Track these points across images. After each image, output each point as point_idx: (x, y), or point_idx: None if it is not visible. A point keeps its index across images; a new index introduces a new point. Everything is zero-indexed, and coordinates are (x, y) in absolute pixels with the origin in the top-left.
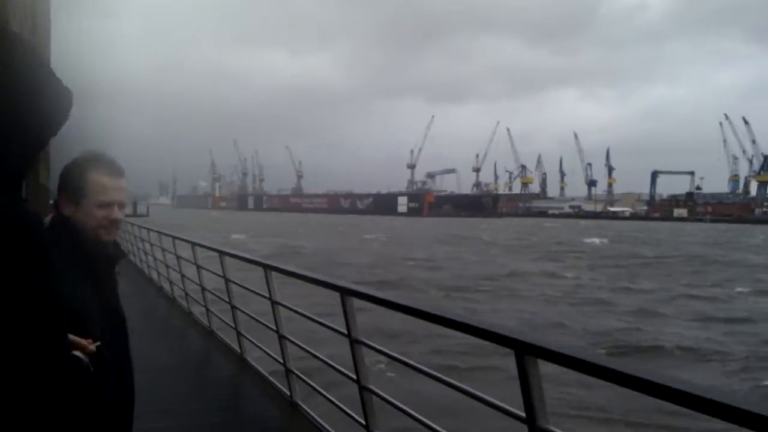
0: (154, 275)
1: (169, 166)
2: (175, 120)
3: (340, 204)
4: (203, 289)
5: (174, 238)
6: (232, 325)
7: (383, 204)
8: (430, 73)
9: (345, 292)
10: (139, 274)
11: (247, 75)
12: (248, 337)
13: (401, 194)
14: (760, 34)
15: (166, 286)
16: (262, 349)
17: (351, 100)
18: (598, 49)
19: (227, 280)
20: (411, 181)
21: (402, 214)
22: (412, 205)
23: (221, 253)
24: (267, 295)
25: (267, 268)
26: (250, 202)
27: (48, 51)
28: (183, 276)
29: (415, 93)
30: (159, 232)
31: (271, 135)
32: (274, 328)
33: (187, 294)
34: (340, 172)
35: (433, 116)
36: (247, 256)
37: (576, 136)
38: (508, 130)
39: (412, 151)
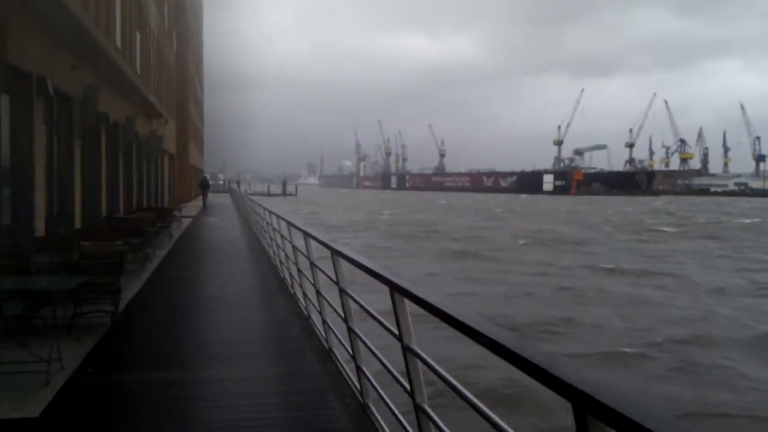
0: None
1: (317, 147)
2: (324, 103)
3: (482, 182)
4: (319, 293)
5: (304, 233)
6: (350, 351)
7: (527, 182)
8: (574, 49)
9: (395, 288)
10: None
11: (389, 58)
12: (372, 380)
13: (547, 172)
14: None
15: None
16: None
17: (493, 78)
18: (759, 17)
19: (342, 291)
20: (558, 158)
21: (547, 192)
22: (559, 182)
23: (334, 252)
24: (395, 331)
25: (334, 252)
26: (393, 182)
27: (201, 44)
28: (300, 271)
29: (559, 69)
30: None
31: (414, 115)
32: (408, 388)
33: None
34: (483, 150)
35: (582, 89)
36: (370, 264)
37: (743, 107)
38: (666, 102)
39: (559, 127)
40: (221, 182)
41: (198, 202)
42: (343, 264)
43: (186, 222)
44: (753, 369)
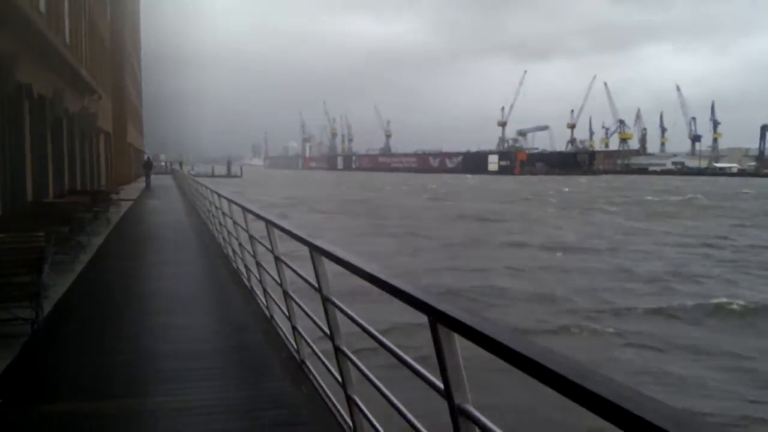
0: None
1: (261, 128)
2: (267, 83)
3: (429, 163)
4: (258, 265)
5: (244, 209)
6: (287, 314)
7: (473, 163)
8: (516, 33)
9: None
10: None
11: (335, 39)
12: (307, 339)
13: (491, 152)
14: None
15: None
16: (321, 360)
17: (438, 61)
18: (690, 3)
19: (277, 259)
20: (502, 139)
21: (493, 172)
22: (503, 163)
23: (269, 223)
24: (316, 285)
25: (315, 250)
26: (340, 163)
27: (138, 19)
28: (240, 245)
29: (501, 52)
30: (229, 200)
31: (360, 96)
32: (327, 332)
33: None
34: (429, 131)
35: (525, 71)
36: (295, 231)
37: (678, 88)
38: (606, 84)
39: (503, 108)
40: (163, 163)
41: (139, 184)
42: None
43: (126, 205)
44: None
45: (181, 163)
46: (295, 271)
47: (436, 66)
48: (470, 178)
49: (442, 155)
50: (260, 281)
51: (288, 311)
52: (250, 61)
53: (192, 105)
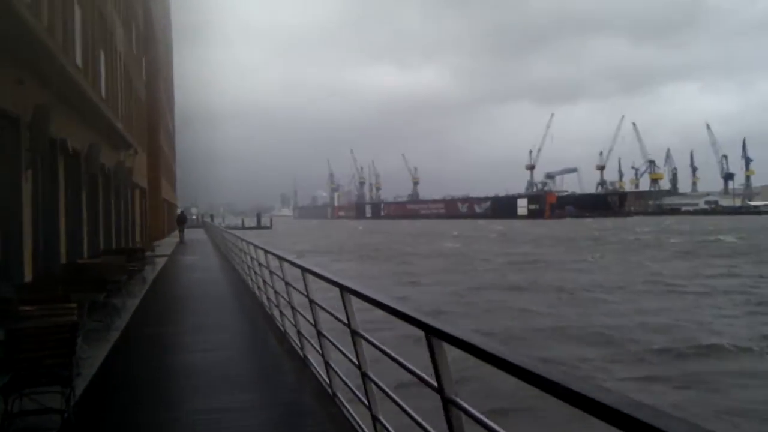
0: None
1: (290, 179)
2: (296, 135)
3: (457, 209)
4: (294, 309)
5: (266, 251)
6: (320, 351)
7: (502, 207)
8: (540, 77)
9: (432, 332)
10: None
11: (361, 88)
12: (338, 371)
13: (520, 196)
14: None
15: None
16: (351, 389)
17: (463, 106)
18: (711, 42)
19: (311, 302)
20: (530, 183)
21: (522, 216)
22: (533, 206)
23: (304, 270)
24: (345, 321)
25: (344, 289)
26: (368, 211)
27: (171, 76)
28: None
29: (526, 96)
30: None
31: (387, 145)
32: (356, 362)
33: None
34: (457, 177)
35: (552, 114)
36: (326, 274)
37: (708, 127)
38: (634, 124)
39: (530, 152)
40: (194, 217)
41: (173, 239)
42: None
43: (161, 262)
44: None
45: (212, 216)
46: (329, 312)
47: (461, 112)
48: (496, 223)
49: (470, 200)
50: (295, 325)
51: (321, 348)
52: (279, 114)
53: (222, 159)
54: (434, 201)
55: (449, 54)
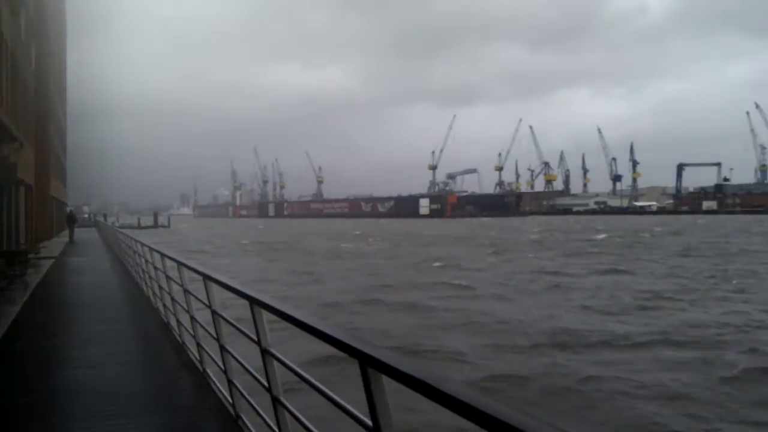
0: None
1: (191, 177)
2: (197, 133)
3: (361, 208)
4: (192, 319)
5: (162, 255)
6: (222, 367)
7: (405, 206)
8: (441, 80)
9: (368, 362)
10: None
11: (264, 87)
12: (243, 392)
13: (423, 196)
14: (759, 30)
15: (162, 310)
16: (260, 414)
17: (367, 107)
18: (603, 50)
19: (214, 313)
20: (433, 183)
21: (424, 216)
22: (435, 206)
23: (206, 278)
24: (254, 338)
25: (254, 302)
26: (271, 210)
27: (64, 68)
28: (173, 300)
29: (428, 98)
30: (150, 248)
31: (291, 143)
32: (266, 385)
33: (179, 322)
34: (361, 177)
35: (454, 115)
36: (233, 283)
37: (599, 131)
38: (531, 127)
39: (433, 152)
40: (86, 215)
41: (62, 239)
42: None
43: (47, 265)
44: None
45: (105, 215)
46: (236, 327)
47: (367, 112)
48: (392, 222)
49: (374, 200)
50: (194, 336)
51: (224, 365)
52: (178, 111)
53: (118, 155)
54: (338, 200)
55: (355, 54)
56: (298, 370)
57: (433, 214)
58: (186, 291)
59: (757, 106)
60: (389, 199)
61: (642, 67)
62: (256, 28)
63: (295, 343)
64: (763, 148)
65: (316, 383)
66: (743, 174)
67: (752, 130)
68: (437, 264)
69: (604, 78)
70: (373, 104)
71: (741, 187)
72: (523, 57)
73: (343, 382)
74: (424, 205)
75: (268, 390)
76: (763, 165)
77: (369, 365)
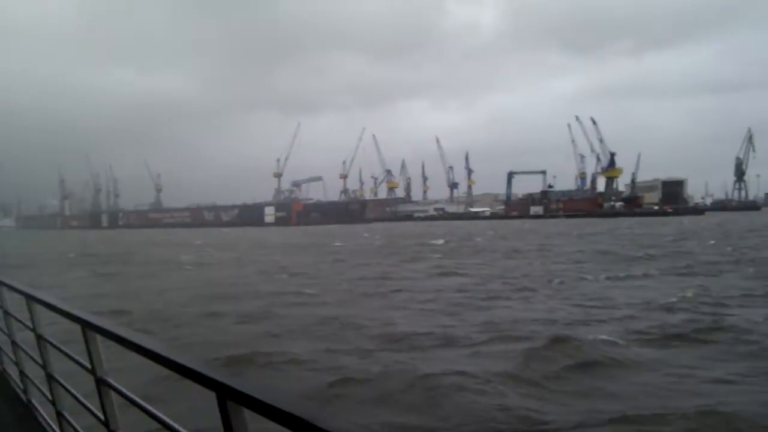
0: None
1: (12, 186)
2: (20, 138)
3: (203, 217)
4: (14, 343)
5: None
6: (50, 398)
7: (249, 215)
8: (286, 87)
9: (228, 394)
10: None
11: (98, 91)
12: (75, 425)
13: (268, 204)
14: (578, 49)
15: None
16: None
17: (209, 114)
18: (440, 64)
19: (39, 337)
20: (278, 191)
21: (270, 224)
22: (280, 214)
23: (29, 298)
24: (88, 366)
25: (87, 326)
26: (104, 220)
27: None
28: None
29: (272, 106)
30: None
31: (127, 151)
32: (102, 418)
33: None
34: (204, 185)
35: (299, 123)
36: (63, 305)
37: (438, 141)
38: (374, 136)
39: (278, 160)
40: None
41: None
42: None
43: None
44: None
45: None
46: (64, 352)
47: (210, 119)
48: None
49: (218, 209)
50: (16, 363)
51: (52, 395)
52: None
53: None
54: (178, 210)
55: (196, 59)
56: (141, 402)
57: (278, 222)
58: (6, 313)
59: (578, 119)
60: (233, 207)
61: (475, 80)
62: (88, 28)
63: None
64: (582, 157)
65: (163, 417)
66: (566, 181)
67: (573, 141)
68: (282, 274)
69: (440, 90)
70: (215, 111)
71: (563, 193)
72: (366, 68)
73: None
74: (270, 213)
75: (105, 424)
76: (583, 173)
77: (228, 397)
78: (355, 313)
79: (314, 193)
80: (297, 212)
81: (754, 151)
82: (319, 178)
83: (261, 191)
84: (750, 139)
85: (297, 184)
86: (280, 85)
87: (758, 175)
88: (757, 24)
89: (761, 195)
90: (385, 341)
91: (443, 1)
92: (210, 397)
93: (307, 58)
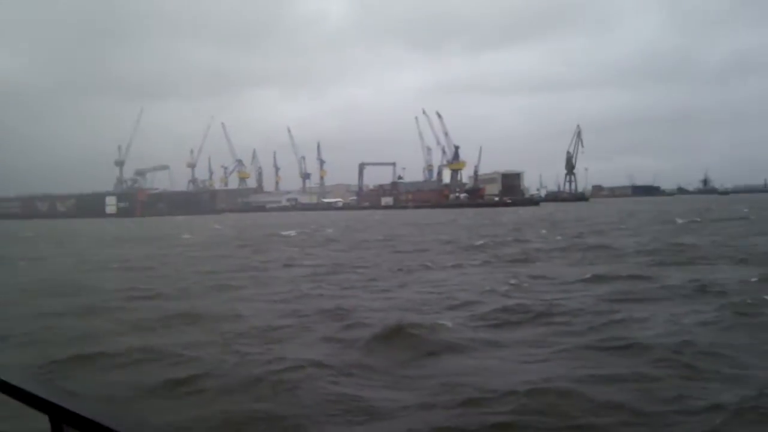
0: None
1: None
2: None
3: (36, 207)
4: None
5: None
6: None
7: (89, 205)
8: (129, 71)
9: (60, 418)
10: None
11: None
12: None
13: (109, 194)
14: (420, 44)
15: None
16: None
17: (40, 97)
18: (289, 53)
19: None
20: (120, 180)
21: (111, 215)
22: (123, 205)
23: None
24: None
25: None
26: None
27: None
28: None
29: (115, 90)
30: None
31: None
32: None
33: None
34: (37, 173)
35: (142, 109)
36: None
37: (289, 130)
38: (223, 124)
39: (119, 147)
40: None
41: None
42: None
43: None
44: None
45: None
46: None
47: (39, 102)
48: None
49: (52, 198)
50: None
51: None
52: None
53: None
54: (7, 199)
55: (25, 38)
56: None
57: (121, 213)
58: None
59: (424, 112)
60: (70, 197)
61: (325, 72)
62: None
63: None
64: (429, 149)
65: None
66: (415, 173)
67: (420, 134)
68: (116, 265)
69: (291, 80)
70: (46, 94)
71: (412, 184)
72: (214, 55)
73: None
74: (111, 204)
75: None
76: (430, 165)
77: (63, 422)
78: (203, 305)
79: (160, 183)
80: (142, 202)
81: (582, 146)
82: (166, 167)
83: (102, 180)
84: (579, 134)
85: (141, 173)
86: (122, 69)
87: (586, 169)
88: (581, 29)
89: (589, 187)
90: (236, 335)
91: None
92: (43, 420)
93: (149, 42)
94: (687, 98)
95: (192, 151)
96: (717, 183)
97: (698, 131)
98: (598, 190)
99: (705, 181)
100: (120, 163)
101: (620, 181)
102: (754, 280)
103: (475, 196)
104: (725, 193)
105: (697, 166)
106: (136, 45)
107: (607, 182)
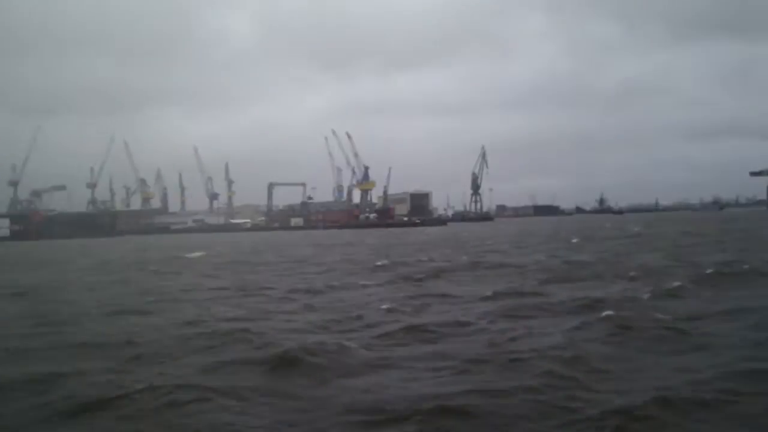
0: None
1: None
2: None
3: None
4: None
5: None
6: None
7: None
8: (23, 87)
9: None
10: None
11: None
12: None
13: (1, 216)
14: (329, 65)
15: None
16: None
17: None
18: (194, 71)
19: None
20: (14, 200)
21: (4, 238)
22: (17, 227)
23: None
24: None
25: None
26: None
27: None
28: None
29: (6, 107)
30: None
31: None
32: None
33: None
34: None
35: (39, 126)
36: None
37: (196, 150)
38: (126, 143)
39: (14, 166)
40: None
41: None
42: None
43: None
44: None
45: None
46: None
47: None
48: None
49: None
50: None
51: None
52: None
53: None
54: None
55: None
56: None
57: (15, 236)
58: None
59: (334, 133)
60: None
61: (232, 91)
62: None
63: None
64: (339, 170)
65: None
66: (325, 193)
67: (330, 154)
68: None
69: (195, 98)
70: None
71: (323, 204)
72: (114, 72)
73: None
74: (4, 226)
75: None
76: (340, 185)
77: None
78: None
79: (58, 204)
80: (37, 224)
81: (487, 167)
82: (63, 187)
83: None
84: (484, 155)
85: (37, 194)
86: (17, 84)
87: (491, 189)
88: (485, 52)
89: (494, 207)
90: (128, 360)
91: (197, 7)
92: None
93: (46, 56)
94: (584, 122)
95: (92, 170)
96: (612, 202)
97: (595, 153)
98: (502, 209)
99: (601, 201)
100: (14, 183)
101: (523, 201)
102: (646, 296)
103: (385, 216)
104: (620, 212)
105: (595, 186)
106: (27, 58)
107: (511, 202)
